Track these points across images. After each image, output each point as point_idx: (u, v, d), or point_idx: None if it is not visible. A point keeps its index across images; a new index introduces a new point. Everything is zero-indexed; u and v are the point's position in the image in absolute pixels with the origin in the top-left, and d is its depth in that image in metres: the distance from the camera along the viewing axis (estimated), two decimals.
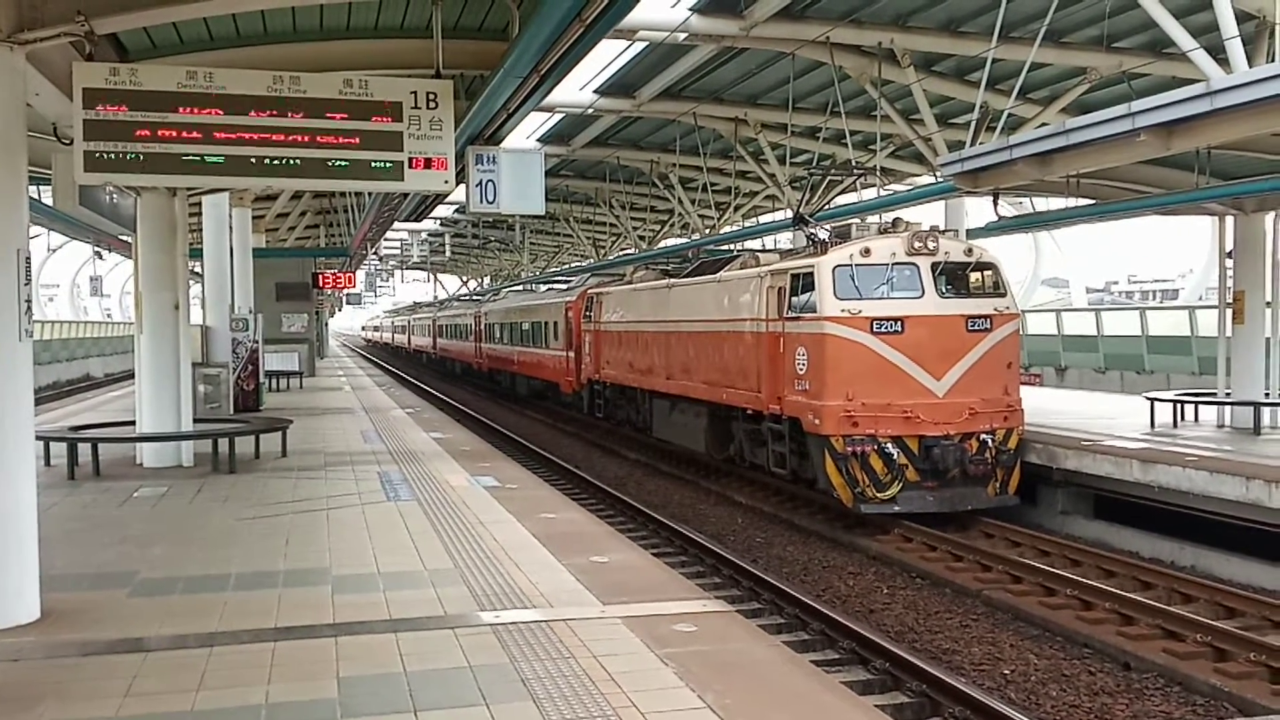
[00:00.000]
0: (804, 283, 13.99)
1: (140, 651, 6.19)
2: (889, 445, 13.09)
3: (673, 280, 19.72)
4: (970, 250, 14.13)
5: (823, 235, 14.98)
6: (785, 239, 27.24)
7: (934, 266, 13.57)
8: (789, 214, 23.56)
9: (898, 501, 13.11)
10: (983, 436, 13.31)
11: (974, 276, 13.95)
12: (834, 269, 13.45)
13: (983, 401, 13.40)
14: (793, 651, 6.81)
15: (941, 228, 14.68)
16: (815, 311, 13.54)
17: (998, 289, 13.98)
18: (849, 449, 13.03)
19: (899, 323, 13.28)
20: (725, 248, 25.19)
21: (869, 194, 19.28)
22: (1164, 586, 10.58)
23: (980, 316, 13.60)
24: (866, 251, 13.50)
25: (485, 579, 7.79)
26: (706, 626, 6.68)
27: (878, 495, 13.09)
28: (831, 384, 13.26)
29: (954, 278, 13.79)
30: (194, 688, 5.55)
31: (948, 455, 13.05)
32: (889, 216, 15.27)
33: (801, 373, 13.86)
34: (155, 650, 6.22)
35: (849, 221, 15.65)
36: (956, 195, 18.47)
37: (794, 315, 14.17)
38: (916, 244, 13.57)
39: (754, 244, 26.99)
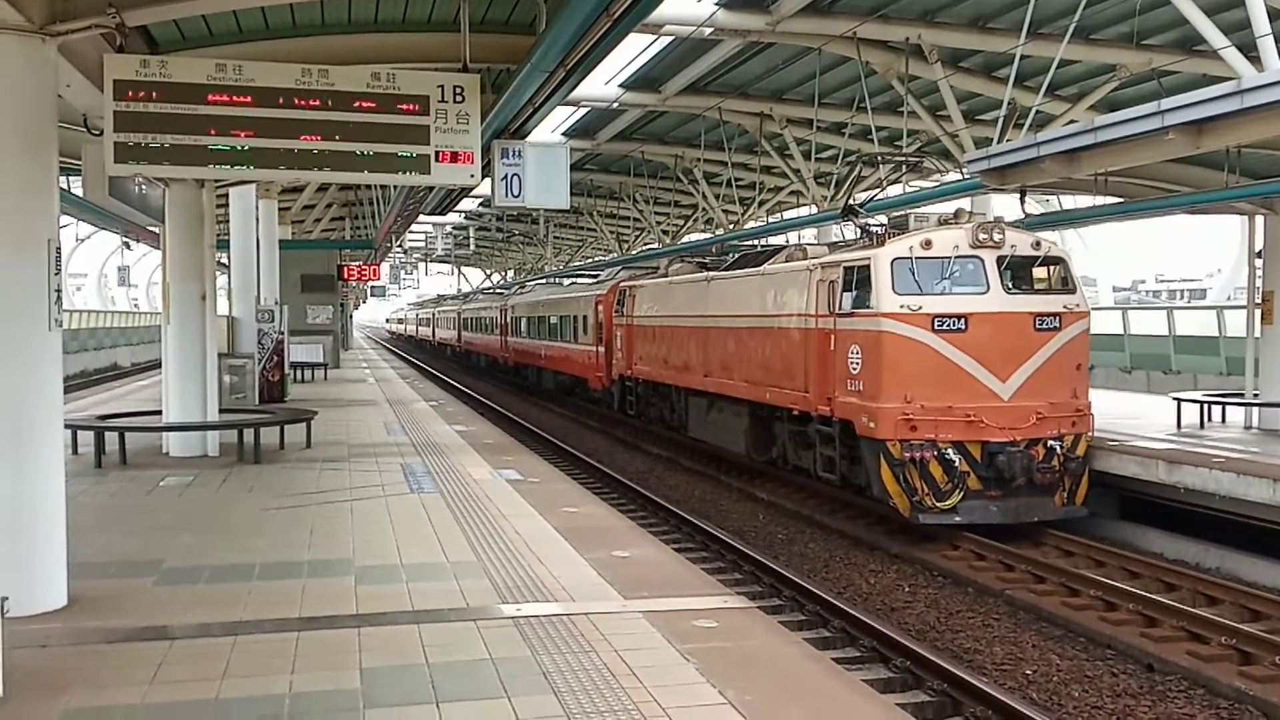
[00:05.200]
0: (859, 276, 13.16)
1: (166, 639, 6.25)
2: (950, 451, 12.26)
3: (712, 274, 18.97)
4: (1038, 243, 13.24)
5: (877, 226, 14.14)
6: (810, 234, 27.14)
7: (1000, 260, 12.76)
8: (813, 209, 23.55)
9: (959, 512, 12.30)
10: (1050, 443, 12.51)
11: (1042, 271, 13.20)
12: (893, 262, 12.63)
13: (1050, 405, 12.62)
14: (813, 648, 6.81)
15: (1006, 219, 14.03)
16: (871, 307, 12.75)
17: (1067, 285, 13.17)
18: (907, 454, 12.24)
19: (962, 320, 12.49)
20: (749, 243, 25.12)
21: (892, 190, 19.17)
22: (1188, 588, 10.50)
23: (1049, 314, 12.79)
24: (927, 243, 12.67)
25: (507, 571, 7.82)
26: (727, 622, 6.69)
27: (937, 505, 12.28)
28: (888, 385, 12.46)
29: (1021, 272, 13.00)
30: (219, 676, 5.61)
31: (1014, 462, 12.26)
32: (938, 208, 14.66)
33: (855, 372, 13.08)
34: (180, 638, 6.28)
35: (906, 212, 14.70)
36: (983, 192, 18.33)
37: (847, 311, 13.35)
38: (981, 235, 12.73)
39: (778, 239, 26.94)
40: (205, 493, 11.29)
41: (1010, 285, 12.81)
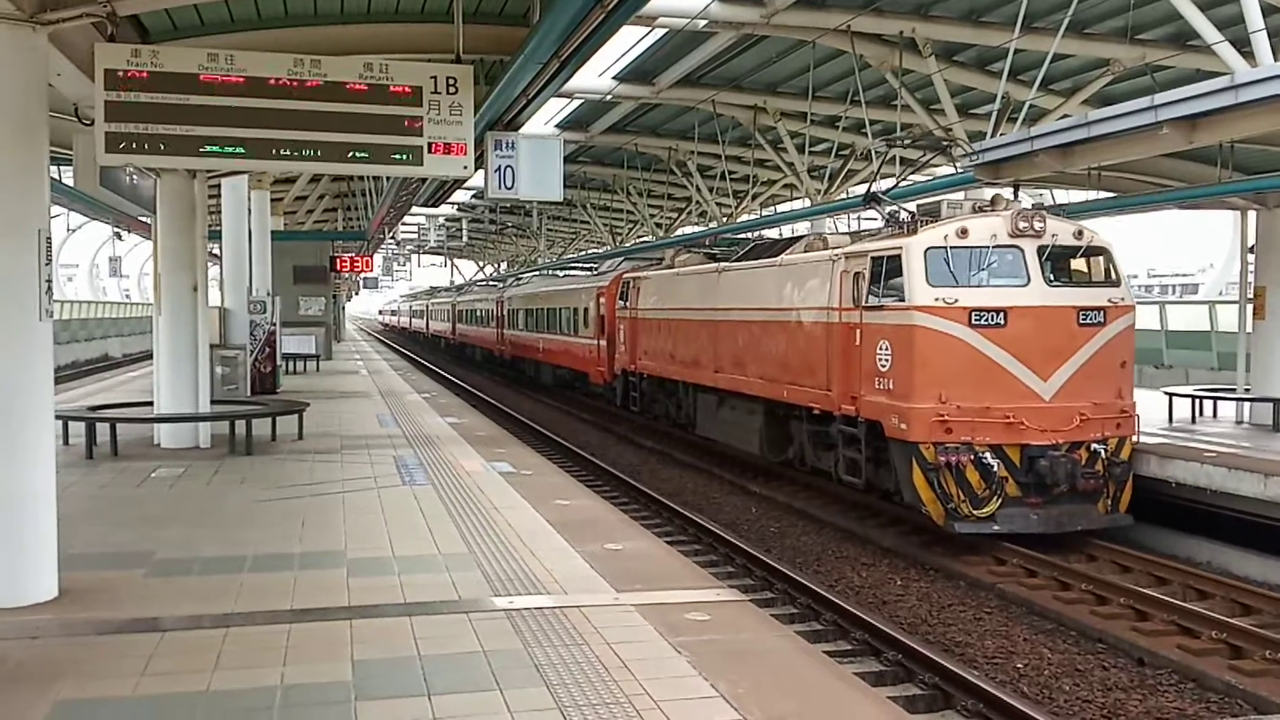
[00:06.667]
0: (888, 267, 12.32)
1: (156, 631, 6.22)
2: (987, 455, 11.48)
3: (723, 264, 18.13)
4: (1080, 232, 12.32)
5: (905, 214, 13.29)
6: (803, 227, 27.15)
7: (1040, 250, 11.90)
8: (806, 203, 23.53)
9: (997, 520, 11.52)
10: (1094, 446, 11.77)
11: (1085, 262, 12.42)
12: (926, 251, 11.82)
13: (1094, 406, 11.82)
14: (805, 642, 6.82)
15: (1046, 205, 13.43)
16: (902, 300, 11.96)
17: (1110, 277, 12.38)
18: (941, 458, 11.43)
19: (1001, 314, 11.66)
20: (743, 235, 25.09)
21: (885, 183, 19.13)
22: (1179, 583, 10.54)
23: (1093, 309, 11.97)
24: (963, 232, 11.85)
25: (499, 564, 7.81)
26: (720, 615, 6.68)
27: (974, 512, 11.49)
28: (921, 383, 11.65)
29: (1062, 263, 12.19)
30: (209, 668, 5.59)
31: (1057, 468, 11.47)
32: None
33: (884, 370, 12.25)
34: (171, 630, 6.25)
35: (939, 198, 13.88)
36: (977, 186, 18.35)
37: (875, 304, 12.54)
38: (1021, 224, 11.88)
39: (771, 232, 26.95)
40: (197, 484, 11.25)
41: (1051, 277, 12.02)
